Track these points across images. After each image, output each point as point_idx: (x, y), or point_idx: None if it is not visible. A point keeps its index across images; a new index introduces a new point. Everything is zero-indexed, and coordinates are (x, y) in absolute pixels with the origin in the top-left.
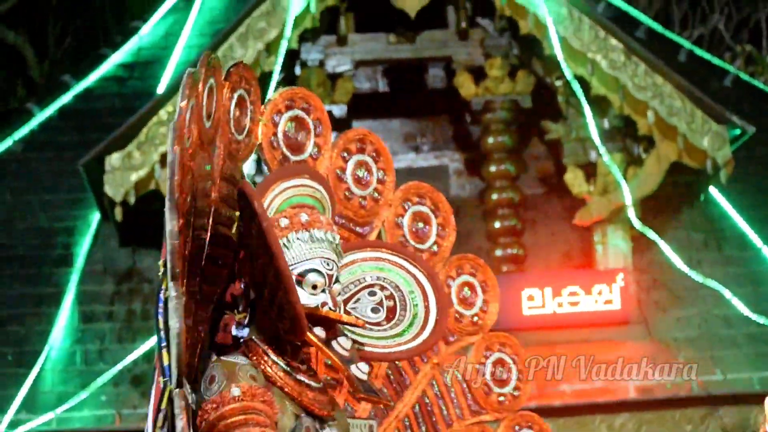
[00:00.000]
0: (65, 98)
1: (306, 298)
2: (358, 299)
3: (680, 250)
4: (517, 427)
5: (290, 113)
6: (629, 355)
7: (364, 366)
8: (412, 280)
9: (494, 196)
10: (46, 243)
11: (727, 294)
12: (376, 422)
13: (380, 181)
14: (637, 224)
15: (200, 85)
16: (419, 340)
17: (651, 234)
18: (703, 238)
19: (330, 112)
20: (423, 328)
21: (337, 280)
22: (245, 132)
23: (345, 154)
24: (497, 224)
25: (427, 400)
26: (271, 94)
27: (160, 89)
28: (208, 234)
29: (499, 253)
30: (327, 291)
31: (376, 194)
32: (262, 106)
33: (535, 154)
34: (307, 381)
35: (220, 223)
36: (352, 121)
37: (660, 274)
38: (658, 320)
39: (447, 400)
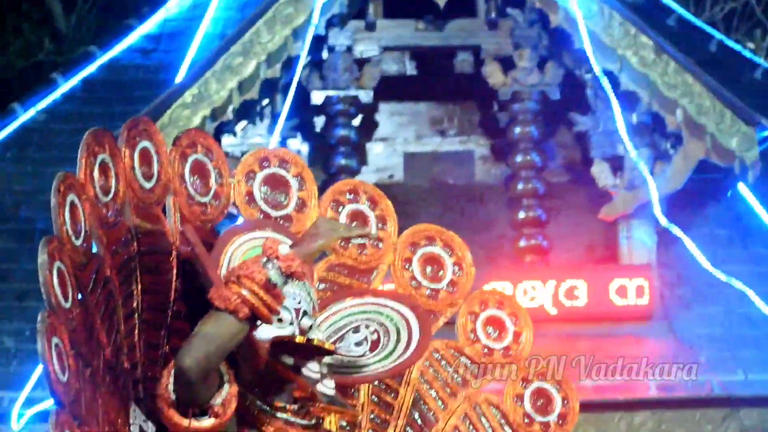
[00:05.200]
0: (90, 68)
1: (274, 331)
2: (344, 338)
3: (705, 246)
4: None
5: (266, 172)
6: (651, 351)
7: (329, 383)
8: (395, 314)
9: (519, 186)
10: None
11: (751, 293)
12: None
13: (380, 229)
14: (663, 220)
15: (123, 148)
16: (402, 359)
17: (676, 230)
18: (728, 234)
19: (356, 98)
20: (406, 349)
21: (305, 314)
22: (211, 194)
23: (335, 206)
24: (522, 214)
25: None
26: (296, 79)
27: (185, 64)
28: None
29: (522, 243)
30: (295, 324)
31: (376, 242)
32: (237, 168)
33: (562, 143)
34: (291, 418)
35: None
36: (379, 104)
37: (684, 271)
38: (681, 317)
39: None
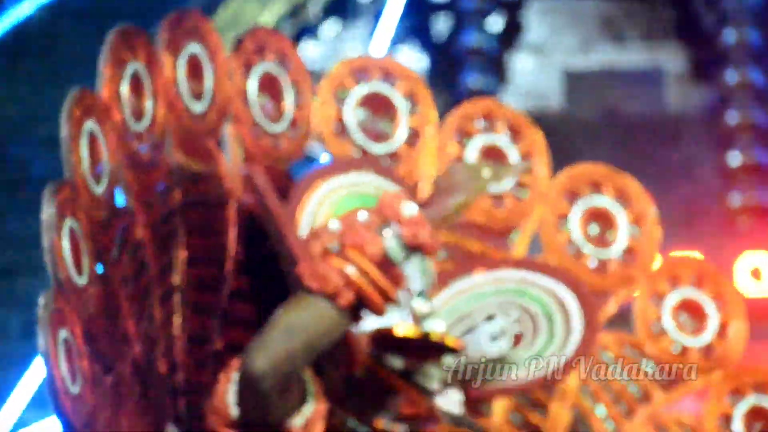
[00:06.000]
0: None
1: (375, 320)
2: (473, 330)
3: None
4: None
5: (363, 89)
6: None
7: (455, 395)
8: (545, 296)
9: (733, 116)
10: None
11: None
12: None
13: (526, 171)
14: None
15: (164, 53)
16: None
17: None
18: None
19: None
20: (563, 346)
21: (420, 296)
22: (287, 121)
23: (461, 137)
24: (736, 156)
25: None
26: None
27: None
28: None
29: (736, 199)
30: (405, 309)
31: (517, 189)
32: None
33: None
34: None
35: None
36: (524, 2)
37: None
38: None
39: None
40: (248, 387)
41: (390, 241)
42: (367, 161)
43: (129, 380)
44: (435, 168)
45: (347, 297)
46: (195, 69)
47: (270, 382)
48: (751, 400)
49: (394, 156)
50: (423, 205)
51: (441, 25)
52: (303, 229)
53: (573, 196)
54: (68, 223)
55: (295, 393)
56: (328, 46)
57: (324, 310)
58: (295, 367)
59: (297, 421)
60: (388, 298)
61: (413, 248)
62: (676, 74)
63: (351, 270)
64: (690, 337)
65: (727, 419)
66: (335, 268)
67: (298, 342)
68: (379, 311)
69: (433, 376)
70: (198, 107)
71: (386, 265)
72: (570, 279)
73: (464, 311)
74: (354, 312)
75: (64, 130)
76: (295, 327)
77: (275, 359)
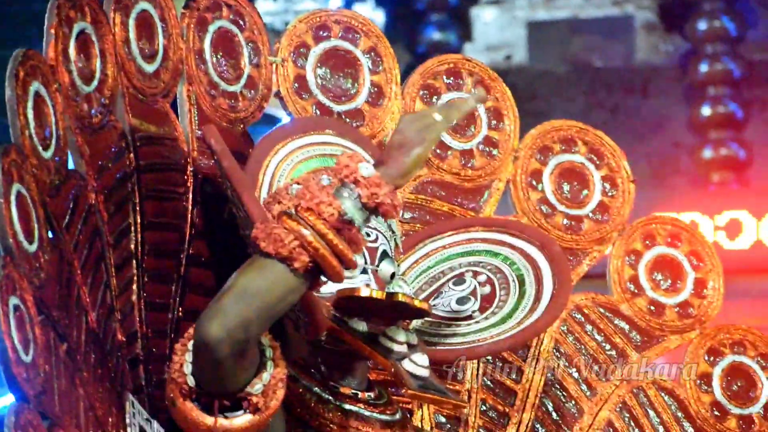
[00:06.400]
0: None
1: (338, 283)
2: (441, 293)
3: None
4: None
5: (324, 45)
6: None
7: (422, 358)
8: (516, 256)
9: (704, 67)
10: None
11: None
12: None
13: (494, 128)
14: None
15: (112, 12)
16: (529, 322)
17: None
18: None
19: None
20: (534, 308)
21: (384, 257)
22: (243, 81)
23: (427, 95)
24: (707, 109)
25: None
26: None
27: None
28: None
29: (708, 153)
30: (369, 271)
31: (487, 147)
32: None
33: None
34: (364, 411)
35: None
36: None
37: None
38: None
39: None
40: (203, 355)
41: (347, 202)
42: (327, 122)
43: (84, 349)
44: None
45: (302, 260)
46: (146, 27)
47: (225, 348)
48: (729, 359)
49: (357, 114)
50: (379, 164)
51: None
52: (263, 190)
53: (545, 152)
54: (16, 187)
55: (252, 359)
56: (283, 1)
57: (279, 273)
58: (250, 333)
59: (256, 387)
60: (345, 262)
61: (372, 209)
62: (646, 23)
63: (306, 232)
64: (666, 295)
65: (707, 379)
66: (291, 230)
67: (253, 307)
68: (335, 274)
69: (398, 339)
70: (150, 67)
71: (344, 227)
72: (541, 238)
73: (432, 273)
74: (311, 276)
75: (8, 92)
76: (250, 291)
77: (230, 325)
